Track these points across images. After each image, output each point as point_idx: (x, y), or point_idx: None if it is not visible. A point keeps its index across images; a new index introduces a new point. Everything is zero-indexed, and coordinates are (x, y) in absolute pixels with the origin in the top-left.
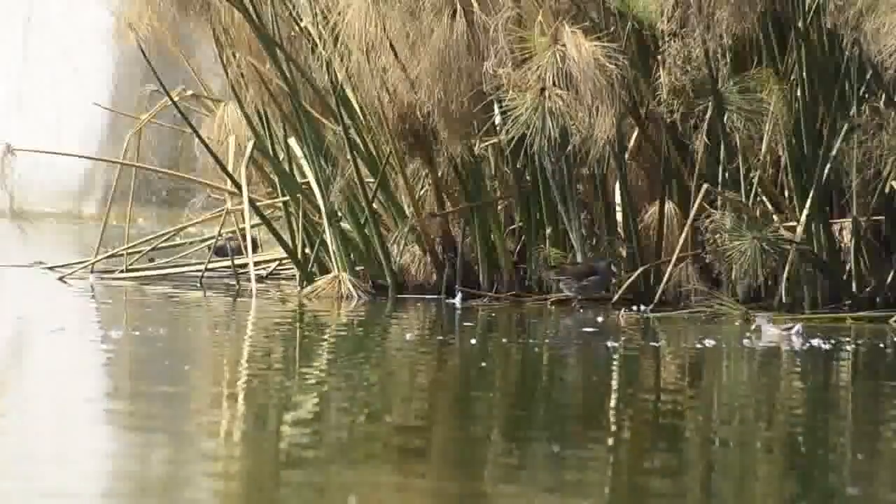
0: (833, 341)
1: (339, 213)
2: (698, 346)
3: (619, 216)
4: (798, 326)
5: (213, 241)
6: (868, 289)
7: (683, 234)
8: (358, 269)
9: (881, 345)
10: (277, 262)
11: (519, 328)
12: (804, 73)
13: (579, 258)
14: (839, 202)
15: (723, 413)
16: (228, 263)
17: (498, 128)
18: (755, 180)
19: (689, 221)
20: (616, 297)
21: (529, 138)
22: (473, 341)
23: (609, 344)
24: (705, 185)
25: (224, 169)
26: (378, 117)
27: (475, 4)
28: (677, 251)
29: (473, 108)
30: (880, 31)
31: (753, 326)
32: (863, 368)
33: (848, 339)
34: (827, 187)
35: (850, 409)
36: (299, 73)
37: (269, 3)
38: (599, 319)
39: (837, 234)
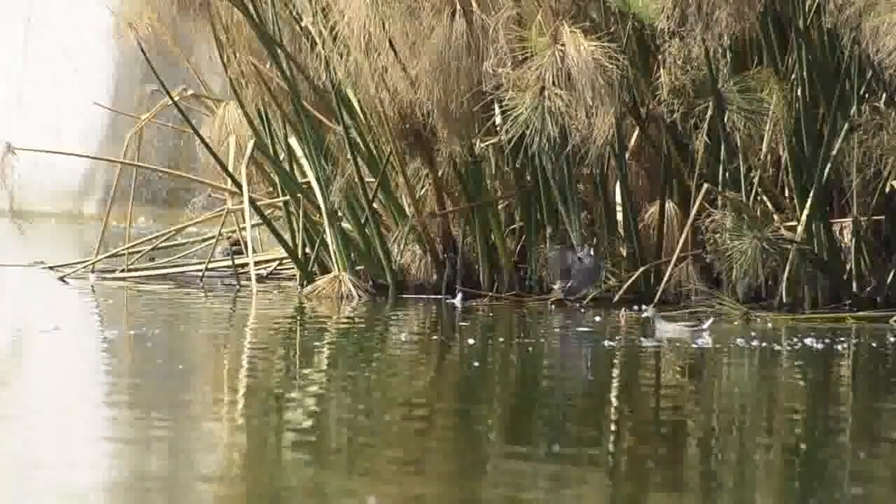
0: (827, 340)
1: (340, 213)
2: (693, 346)
3: (619, 216)
4: (707, 323)
5: (214, 240)
6: (868, 288)
7: (684, 234)
8: (358, 268)
9: (874, 344)
10: (278, 262)
11: (518, 328)
12: (804, 73)
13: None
14: (839, 202)
15: (719, 412)
16: (229, 263)
17: (498, 127)
18: (755, 180)
19: (689, 221)
20: (616, 296)
21: (529, 138)
22: (471, 341)
23: (606, 343)
24: (706, 185)
25: (224, 168)
26: (378, 117)
27: (475, 4)
28: (678, 251)
29: (473, 107)
30: (879, 31)
31: (643, 316)
32: (850, 369)
33: (844, 338)
34: (827, 187)
35: (842, 410)
36: (300, 73)
37: (270, 2)
38: (597, 319)
39: (838, 233)
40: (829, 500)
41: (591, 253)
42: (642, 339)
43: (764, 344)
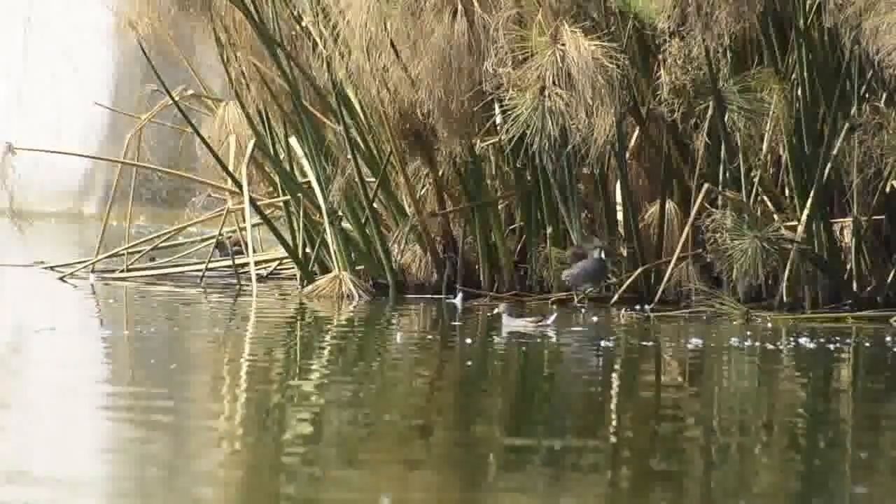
0: (821, 340)
1: (340, 213)
2: (689, 345)
3: (619, 215)
4: (551, 318)
5: (214, 240)
6: (869, 288)
7: (684, 234)
8: (358, 268)
9: (868, 343)
10: (278, 262)
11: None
12: (805, 73)
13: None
14: (840, 201)
15: (719, 412)
16: (229, 263)
17: (498, 127)
18: (756, 180)
19: (689, 221)
20: (616, 296)
21: (529, 138)
22: (469, 341)
23: (602, 343)
24: (706, 185)
25: (225, 168)
26: (379, 116)
27: (476, 4)
28: (678, 251)
29: (474, 107)
30: (879, 30)
31: (494, 312)
32: (840, 370)
33: (839, 338)
34: (828, 186)
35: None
36: (300, 73)
37: (270, 2)
38: (595, 319)
39: (838, 233)
40: (832, 500)
41: (601, 256)
42: (493, 335)
43: (757, 343)
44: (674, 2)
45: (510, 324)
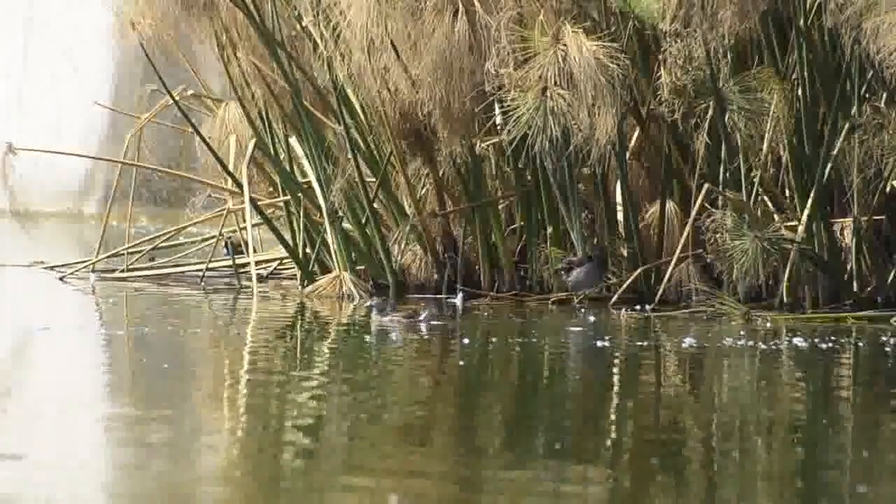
0: (815, 340)
1: (340, 213)
2: (684, 345)
3: (619, 216)
4: (424, 314)
5: (215, 240)
6: (869, 288)
7: (684, 234)
8: (359, 268)
9: (860, 343)
10: (278, 262)
11: (517, 328)
12: (805, 73)
13: (579, 254)
14: (840, 201)
15: (718, 414)
16: (229, 263)
17: (499, 127)
18: (756, 180)
19: (690, 221)
20: (615, 296)
21: (531, 138)
22: (467, 341)
23: (599, 343)
24: (706, 185)
25: (225, 168)
26: (379, 116)
27: (477, 4)
28: (678, 251)
29: (475, 107)
30: (880, 30)
31: (367, 306)
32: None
33: (834, 338)
34: (828, 187)
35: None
36: (301, 73)
37: (271, 2)
38: (592, 319)
39: (838, 233)
40: (834, 500)
41: (596, 262)
42: (366, 335)
43: (751, 343)
44: (678, 2)
45: (380, 320)
